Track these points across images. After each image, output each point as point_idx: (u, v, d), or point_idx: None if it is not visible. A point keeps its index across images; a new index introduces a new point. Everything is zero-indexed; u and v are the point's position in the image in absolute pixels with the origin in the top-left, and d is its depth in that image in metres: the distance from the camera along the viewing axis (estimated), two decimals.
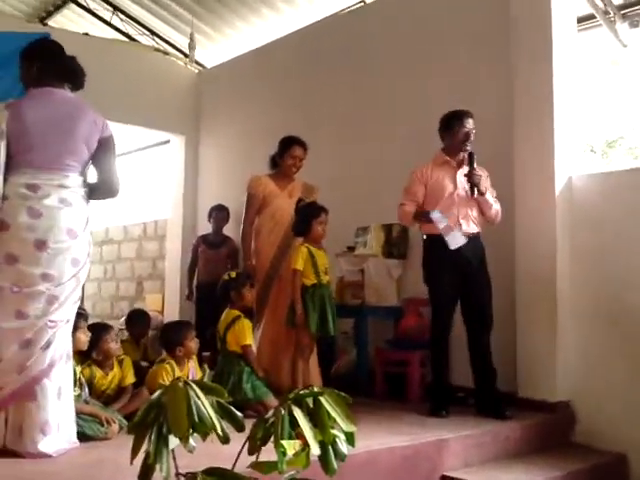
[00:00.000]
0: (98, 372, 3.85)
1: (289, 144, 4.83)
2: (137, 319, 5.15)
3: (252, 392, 4.04)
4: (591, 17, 5.29)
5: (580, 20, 4.94)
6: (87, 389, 3.56)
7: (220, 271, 6.74)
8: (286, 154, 4.82)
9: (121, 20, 7.78)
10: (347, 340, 5.28)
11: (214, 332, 5.79)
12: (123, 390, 3.93)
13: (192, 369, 4.03)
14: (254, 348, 4.24)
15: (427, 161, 4.63)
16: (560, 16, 4.66)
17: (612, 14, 5.29)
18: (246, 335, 4.15)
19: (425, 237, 4.44)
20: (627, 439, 4.15)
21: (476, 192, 4.22)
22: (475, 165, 4.24)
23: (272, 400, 4.04)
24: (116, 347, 3.93)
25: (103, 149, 3.22)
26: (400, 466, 3.33)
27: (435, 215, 4.18)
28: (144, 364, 4.66)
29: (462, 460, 3.65)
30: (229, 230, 7.03)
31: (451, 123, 4.36)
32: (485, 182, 4.31)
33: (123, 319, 6.76)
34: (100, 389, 3.84)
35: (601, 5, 5.20)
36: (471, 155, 4.26)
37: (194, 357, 4.11)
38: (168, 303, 7.88)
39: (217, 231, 7.04)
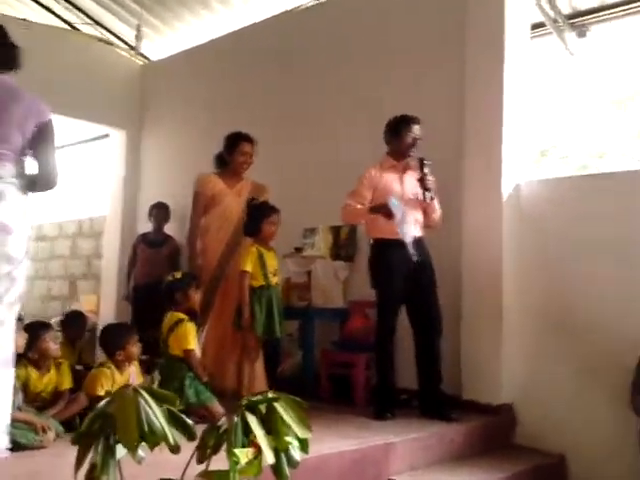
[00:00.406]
0: (34, 373, 3.69)
1: (237, 141, 4.72)
2: (73, 321, 4.96)
3: (195, 397, 3.91)
4: (541, 25, 5.34)
5: (531, 28, 4.98)
6: (21, 394, 3.37)
7: (160, 271, 6.57)
8: (235, 151, 4.70)
9: (63, 7, 7.49)
10: (292, 342, 5.21)
11: (153, 335, 5.65)
12: (59, 395, 3.76)
13: (133, 374, 3.88)
14: (198, 351, 4.11)
15: (376, 162, 4.60)
16: (514, 23, 4.72)
17: (561, 23, 5.35)
18: (189, 339, 4.01)
19: (372, 241, 4.42)
20: (566, 440, 4.22)
21: (428, 197, 4.21)
22: (426, 170, 4.23)
23: (216, 405, 3.94)
24: (54, 347, 3.77)
25: (41, 136, 3.01)
26: (349, 470, 3.28)
27: (394, 202, 4.11)
28: (79, 368, 4.50)
29: (408, 463, 3.64)
30: (170, 229, 6.88)
31: (399, 128, 4.36)
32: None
33: (56, 320, 6.53)
34: (35, 391, 3.67)
35: (551, 14, 5.25)
36: (422, 160, 4.27)
37: (135, 362, 3.96)
38: (104, 304, 7.62)
39: (158, 230, 6.88)
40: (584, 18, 5.46)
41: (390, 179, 4.34)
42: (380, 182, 4.33)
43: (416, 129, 4.31)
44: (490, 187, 4.57)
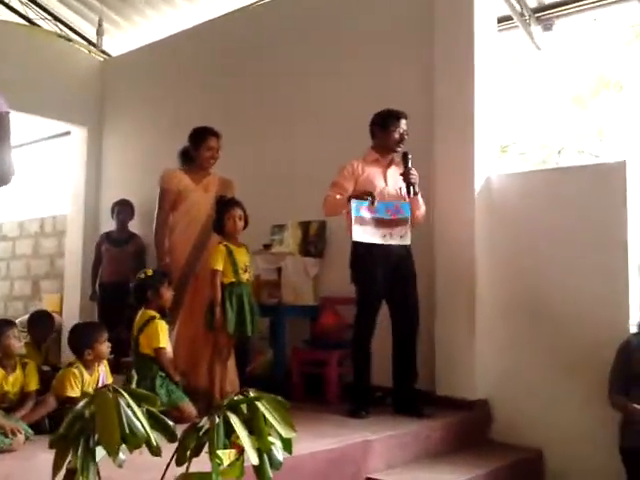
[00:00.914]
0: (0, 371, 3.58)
1: (203, 135, 4.60)
2: (40, 321, 4.83)
3: (167, 397, 3.83)
4: (508, 18, 5.36)
5: (498, 21, 4.99)
6: None
7: (126, 270, 6.47)
8: (202, 146, 4.59)
9: (20, 2, 7.31)
10: (262, 340, 5.13)
11: (121, 334, 5.53)
12: (26, 396, 3.64)
13: (102, 374, 3.77)
14: (170, 350, 4.02)
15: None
16: (482, 16, 4.71)
17: (527, 16, 5.37)
18: (159, 337, 3.92)
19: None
20: (543, 435, 4.22)
21: (412, 191, 4.19)
22: (410, 164, 4.21)
23: (188, 405, 3.86)
24: (18, 345, 3.63)
25: None
26: (326, 470, 3.24)
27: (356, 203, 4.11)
28: (46, 369, 4.38)
29: (385, 461, 3.61)
30: (133, 226, 6.76)
31: (386, 122, 4.32)
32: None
33: (21, 320, 6.37)
34: (1, 391, 3.54)
35: (517, 7, 5.27)
36: (405, 155, 4.25)
37: (105, 361, 3.86)
38: (67, 304, 7.47)
39: (121, 228, 6.75)
40: (550, 11, 5.51)
41: (373, 173, 4.30)
42: (362, 175, 4.28)
43: (403, 124, 4.29)
44: (462, 180, 4.56)
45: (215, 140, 4.62)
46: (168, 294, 4.11)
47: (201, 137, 4.61)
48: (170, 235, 4.57)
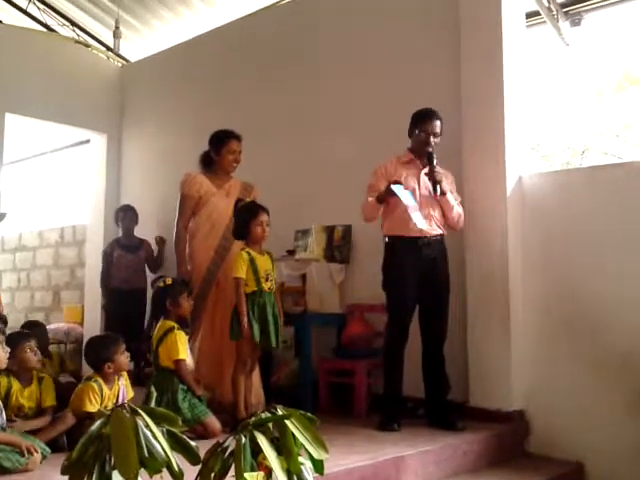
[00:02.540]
0: (16, 384, 3.47)
1: (225, 139, 4.48)
2: (34, 330, 4.69)
3: (190, 412, 3.67)
4: (536, 14, 5.18)
5: (526, 17, 4.81)
6: (4, 414, 3.12)
7: (140, 276, 6.38)
8: (223, 150, 4.47)
9: (39, 9, 7.25)
10: (287, 350, 4.97)
11: (140, 344, 5.41)
12: (43, 412, 3.52)
13: (122, 387, 3.63)
14: (190, 362, 3.87)
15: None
16: (510, 12, 4.53)
17: (555, 11, 5.19)
18: (179, 349, 3.76)
19: (387, 240, 4.21)
20: (583, 448, 4.01)
21: (439, 190, 4.02)
22: (435, 163, 4.06)
23: (212, 420, 3.70)
24: (34, 358, 3.54)
25: None
26: None
27: (397, 188, 3.94)
28: (64, 379, 4.26)
29: (420, 478, 3.42)
30: (147, 232, 6.69)
31: (417, 122, 4.19)
32: (450, 185, 4.20)
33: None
34: (17, 404, 3.45)
35: (545, 2, 5.09)
36: (430, 154, 4.09)
37: (125, 374, 3.71)
38: (88, 314, 7.36)
39: (128, 234, 6.68)
40: (578, 6, 5.32)
41: (405, 174, 4.14)
42: (394, 175, 4.11)
43: (434, 124, 4.14)
44: (493, 180, 4.37)
45: (237, 143, 4.50)
46: (187, 304, 3.96)
47: (223, 140, 4.49)
48: (191, 241, 4.43)
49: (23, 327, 4.80)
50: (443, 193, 4.06)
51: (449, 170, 4.29)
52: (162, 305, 3.92)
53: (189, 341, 4.19)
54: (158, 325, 3.90)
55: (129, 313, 6.18)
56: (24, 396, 3.50)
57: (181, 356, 3.77)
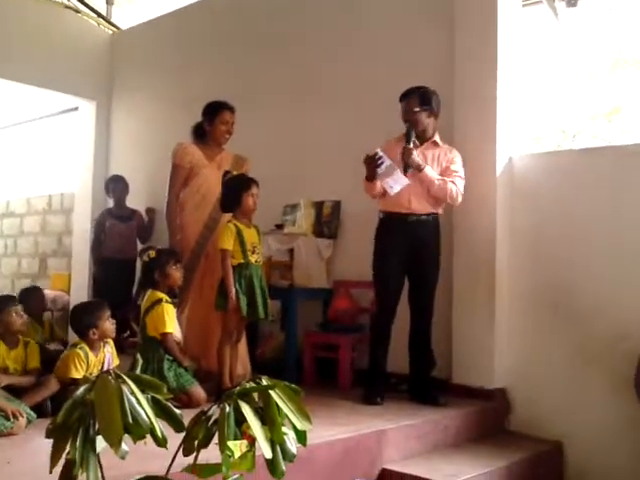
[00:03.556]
0: (1, 346, 3.51)
1: (218, 109, 4.45)
2: (30, 296, 4.71)
3: (175, 381, 3.69)
4: None
5: None
6: None
7: (131, 246, 6.38)
8: (217, 120, 4.44)
9: None
10: (273, 323, 4.99)
11: (127, 313, 5.41)
12: (27, 374, 3.55)
13: (108, 355, 3.65)
14: (178, 333, 3.88)
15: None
16: None
17: None
18: (165, 321, 3.77)
19: (381, 215, 4.22)
20: (563, 427, 4.07)
21: (409, 170, 4.02)
22: (412, 141, 4.06)
23: (197, 389, 3.73)
24: (20, 321, 3.58)
25: None
26: (340, 461, 3.11)
27: (380, 152, 3.97)
28: (51, 346, 4.26)
29: (402, 451, 3.47)
30: (139, 202, 6.68)
31: (400, 102, 4.19)
32: (448, 162, 4.18)
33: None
34: (3, 366, 3.49)
35: None
36: (407, 132, 4.10)
37: (110, 342, 3.72)
38: (75, 282, 7.34)
39: (120, 204, 6.66)
40: None
41: (399, 151, 4.10)
42: (391, 153, 4.08)
43: (406, 103, 4.14)
44: (483, 160, 4.37)
45: (230, 114, 4.48)
46: (177, 274, 3.95)
47: (216, 111, 4.47)
48: (180, 213, 4.42)
49: (22, 294, 4.82)
50: (418, 169, 4.04)
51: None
52: (151, 277, 3.92)
53: (177, 311, 4.21)
54: (147, 295, 3.90)
55: (119, 282, 6.18)
56: (10, 357, 3.54)
57: (168, 329, 3.78)
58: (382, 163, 3.97)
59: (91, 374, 3.44)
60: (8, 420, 2.88)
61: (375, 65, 5.11)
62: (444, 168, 4.17)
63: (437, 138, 4.21)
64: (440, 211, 4.22)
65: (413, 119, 4.12)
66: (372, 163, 3.98)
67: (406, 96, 4.16)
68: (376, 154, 3.97)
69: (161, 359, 3.73)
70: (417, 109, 4.12)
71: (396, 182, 3.99)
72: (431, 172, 4.10)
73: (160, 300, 3.83)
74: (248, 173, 4.37)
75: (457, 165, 4.21)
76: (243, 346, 4.26)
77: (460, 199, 4.17)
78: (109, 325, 3.61)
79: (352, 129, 5.05)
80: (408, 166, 4.02)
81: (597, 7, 5.84)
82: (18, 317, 3.54)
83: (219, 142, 4.51)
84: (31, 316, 4.56)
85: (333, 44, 5.45)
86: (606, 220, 4.03)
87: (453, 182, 4.13)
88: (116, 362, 3.68)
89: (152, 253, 4.01)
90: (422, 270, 4.13)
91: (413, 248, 4.08)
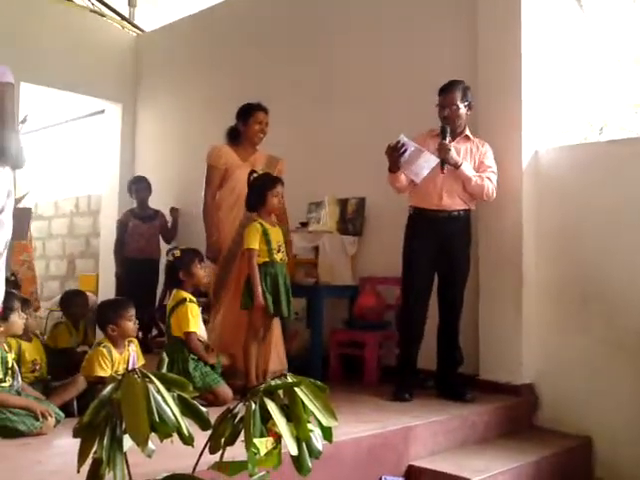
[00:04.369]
0: (23, 343, 3.60)
1: (252, 110, 4.54)
2: (73, 300, 4.75)
3: (201, 380, 3.70)
4: None
5: None
6: (20, 378, 3.18)
7: (155, 246, 6.43)
8: (251, 119, 4.52)
9: None
10: (299, 321, 5.00)
11: (153, 313, 5.44)
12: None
13: (133, 354, 3.67)
14: (203, 333, 3.90)
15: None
16: None
17: None
18: (189, 321, 3.77)
19: (411, 210, 4.20)
20: (592, 422, 4.02)
21: (445, 167, 3.99)
22: (448, 137, 4.02)
23: (224, 388, 3.74)
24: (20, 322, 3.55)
25: None
26: (367, 457, 3.10)
27: (403, 138, 3.93)
28: (82, 349, 4.31)
29: (429, 448, 3.46)
30: (163, 202, 6.72)
31: (439, 96, 4.15)
32: (481, 156, 4.16)
33: (55, 300, 6.33)
34: (31, 358, 3.62)
35: None
36: (443, 128, 4.06)
37: (135, 341, 3.76)
38: (102, 283, 7.42)
39: (143, 204, 6.70)
40: None
41: (432, 147, 4.06)
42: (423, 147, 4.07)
43: (446, 98, 4.09)
44: (509, 154, 4.33)
45: (264, 114, 4.56)
46: (201, 272, 3.96)
47: (250, 112, 4.55)
48: (216, 213, 4.48)
49: (64, 296, 4.88)
50: (455, 166, 4.02)
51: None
52: (175, 277, 3.94)
53: (211, 311, 4.23)
54: (172, 295, 3.92)
55: (142, 282, 6.23)
56: (34, 349, 3.64)
57: (191, 328, 3.78)
58: (405, 151, 3.93)
59: (117, 372, 3.48)
60: (37, 420, 2.92)
61: (398, 61, 5.10)
62: (478, 163, 4.14)
63: (468, 132, 4.19)
64: (473, 207, 4.20)
65: (455, 113, 4.10)
66: (395, 152, 3.95)
67: (447, 90, 4.12)
68: (398, 142, 3.94)
69: (186, 359, 3.74)
70: (459, 103, 4.10)
71: (423, 167, 3.95)
72: (468, 169, 4.08)
73: (184, 300, 3.84)
74: (282, 173, 4.45)
75: (490, 160, 4.18)
76: (280, 343, 4.32)
77: (495, 195, 4.15)
78: (130, 325, 3.62)
79: (376, 126, 5.03)
80: (445, 162, 3.99)
81: None
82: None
83: (253, 142, 4.58)
84: (70, 320, 4.62)
85: (357, 43, 5.44)
86: (634, 212, 3.96)
87: (489, 179, 4.11)
88: (141, 362, 3.70)
89: (177, 252, 4.04)
90: (452, 267, 4.10)
91: (444, 245, 4.05)
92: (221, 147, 4.58)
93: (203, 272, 3.98)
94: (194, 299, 3.90)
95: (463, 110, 4.13)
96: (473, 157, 4.15)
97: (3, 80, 2.75)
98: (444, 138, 4.02)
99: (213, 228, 4.45)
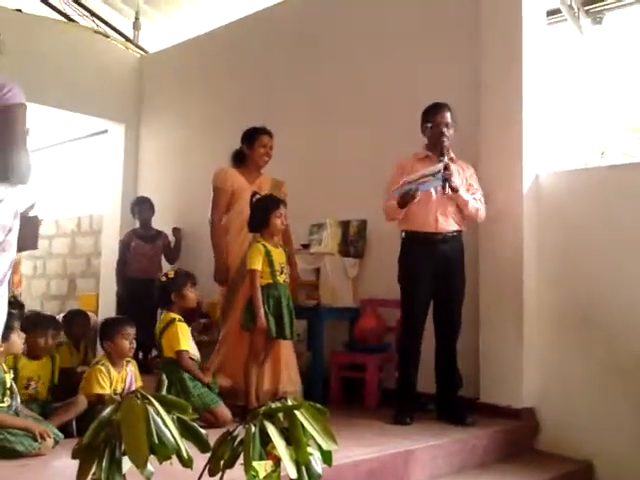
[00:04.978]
0: (23, 358, 3.57)
1: (257, 134, 4.60)
2: (75, 320, 4.75)
3: (200, 400, 3.70)
4: (557, 12, 5.15)
5: (547, 14, 4.77)
6: (19, 398, 3.17)
7: (155, 267, 6.42)
8: (256, 143, 4.57)
9: None
10: (299, 343, 4.98)
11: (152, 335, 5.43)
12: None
13: (131, 373, 3.69)
14: (194, 352, 3.90)
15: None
16: (531, 10, 4.48)
17: (576, 9, 5.17)
18: (180, 340, 3.78)
19: (404, 235, 4.21)
20: (593, 447, 3.99)
21: (447, 189, 4.00)
22: (447, 160, 4.03)
23: (222, 409, 3.73)
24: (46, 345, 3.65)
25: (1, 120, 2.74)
26: None
27: (408, 178, 3.95)
28: (81, 369, 4.30)
29: (428, 472, 3.43)
30: (165, 223, 6.72)
31: (427, 116, 4.19)
32: (470, 178, 4.20)
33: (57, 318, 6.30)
34: (26, 375, 3.58)
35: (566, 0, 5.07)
36: (444, 148, 4.08)
37: (133, 362, 3.77)
38: (103, 303, 7.41)
39: (146, 225, 6.70)
40: (600, 4, 5.30)
41: (421, 170, 4.05)
42: (411, 172, 4.08)
43: (445, 115, 4.12)
44: (510, 178, 4.35)
45: (268, 138, 4.61)
46: (192, 295, 3.98)
47: (255, 135, 4.61)
48: (224, 236, 4.51)
49: (67, 316, 4.87)
50: (454, 190, 4.03)
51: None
52: (167, 298, 3.94)
53: (219, 332, 4.30)
54: (161, 317, 3.94)
55: (143, 302, 6.21)
56: (37, 367, 3.63)
57: (182, 347, 3.79)
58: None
59: (115, 391, 3.50)
60: (36, 441, 2.90)
61: (401, 85, 5.13)
62: (467, 185, 4.16)
63: (452, 153, 4.19)
64: (464, 228, 4.21)
65: (447, 133, 4.12)
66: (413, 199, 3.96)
67: (444, 108, 4.15)
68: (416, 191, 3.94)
69: (182, 379, 3.73)
70: (452, 122, 4.13)
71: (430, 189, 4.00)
72: (465, 193, 4.10)
73: (173, 320, 3.85)
74: (286, 196, 4.47)
75: (476, 181, 4.23)
76: (292, 363, 4.35)
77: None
78: (125, 343, 3.63)
79: (378, 149, 5.06)
80: (448, 183, 3.99)
81: (622, 24, 5.81)
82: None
83: (258, 165, 4.63)
84: (71, 340, 4.62)
85: (359, 65, 5.48)
86: (635, 237, 3.96)
87: (481, 201, 4.15)
88: (139, 383, 3.70)
89: (170, 273, 4.05)
90: (450, 288, 4.10)
91: (440, 267, 4.06)
92: (227, 169, 4.62)
93: (194, 295, 4.00)
94: (182, 319, 3.92)
95: (452, 130, 4.16)
96: (461, 178, 4.15)
97: (15, 101, 2.78)
98: (442, 156, 4.03)
99: (221, 251, 4.48)
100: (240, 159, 4.67)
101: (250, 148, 4.60)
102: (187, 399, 3.57)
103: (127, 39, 7.55)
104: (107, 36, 7.41)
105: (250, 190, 4.47)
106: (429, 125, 4.16)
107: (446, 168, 3.97)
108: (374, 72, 5.36)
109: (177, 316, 3.88)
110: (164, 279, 4.01)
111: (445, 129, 4.12)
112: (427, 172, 3.94)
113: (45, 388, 3.68)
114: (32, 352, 3.61)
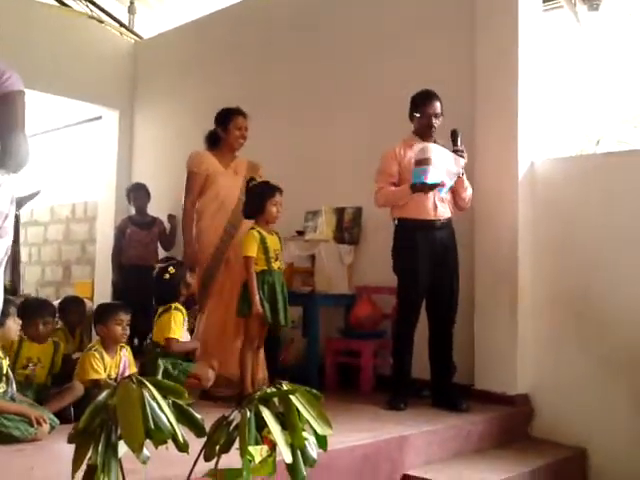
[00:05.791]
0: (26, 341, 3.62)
1: (231, 115, 4.45)
2: (71, 306, 4.75)
3: (184, 375, 3.78)
4: None
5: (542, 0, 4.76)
6: (14, 385, 3.17)
7: (152, 253, 6.41)
8: (230, 125, 4.43)
9: None
10: (295, 329, 5.00)
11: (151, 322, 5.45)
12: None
13: (125, 359, 3.72)
14: (187, 340, 3.94)
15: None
16: None
17: None
18: (170, 327, 3.87)
19: (397, 222, 4.20)
20: (586, 434, 4.02)
21: (461, 171, 4.00)
22: (460, 143, 4.04)
23: (200, 368, 3.86)
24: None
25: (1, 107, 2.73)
26: (362, 466, 3.10)
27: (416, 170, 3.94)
28: (77, 356, 4.31)
29: (423, 457, 3.45)
30: (161, 210, 6.70)
31: (417, 105, 4.17)
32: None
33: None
34: (27, 355, 3.62)
35: None
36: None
37: (127, 347, 3.80)
38: (98, 290, 7.40)
39: (141, 211, 6.68)
40: None
41: (411, 156, 4.08)
42: (404, 158, 4.10)
43: (435, 106, 4.11)
44: (505, 165, 4.35)
45: (243, 119, 4.47)
46: (193, 281, 4.10)
47: (229, 117, 4.47)
48: (198, 221, 4.41)
49: (63, 302, 4.87)
50: (462, 174, 4.06)
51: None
52: (177, 292, 4.02)
53: (196, 317, 4.26)
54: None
55: (139, 289, 6.21)
56: (38, 350, 3.65)
57: (172, 334, 3.87)
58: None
59: (109, 376, 3.52)
60: (32, 426, 2.91)
61: (398, 72, 5.11)
62: None
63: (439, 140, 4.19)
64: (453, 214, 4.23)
65: (436, 124, 4.12)
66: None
67: (430, 99, 4.14)
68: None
69: (155, 358, 3.81)
70: (439, 112, 4.14)
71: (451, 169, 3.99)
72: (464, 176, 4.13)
73: (170, 307, 3.93)
74: (261, 178, 4.37)
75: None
76: (261, 353, 4.29)
77: None
78: (118, 329, 3.65)
79: (374, 136, 5.05)
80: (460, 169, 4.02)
81: (618, 11, 5.80)
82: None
83: (233, 148, 4.51)
84: (67, 327, 4.62)
85: (355, 52, 5.46)
86: (631, 226, 3.97)
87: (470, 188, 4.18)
88: (133, 369, 3.72)
89: (171, 269, 4.06)
90: (446, 274, 4.10)
91: (438, 253, 4.06)
92: (203, 153, 4.52)
93: (194, 281, 4.06)
94: (180, 307, 3.97)
95: (440, 119, 4.17)
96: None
97: (15, 88, 2.77)
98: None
99: (192, 237, 4.40)
100: (214, 142, 4.54)
101: (224, 130, 4.46)
102: (169, 378, 3.65)
103: (121, 24, 7.51)
104: (101, 21, 7.36)
105: (227, 174, 4.41)
106: (418, 115, 4.16)
107: (456, 152, 4.00)
108: (371, 58, 5.33)
109: (175, 304, 3.94)
110: (168, 276, 4.04)
111: (434, 119, 4.11)
112: (454, 171, 3.96)
113: (44, 372, 3.68)
114: (31, 337, 3.63)
